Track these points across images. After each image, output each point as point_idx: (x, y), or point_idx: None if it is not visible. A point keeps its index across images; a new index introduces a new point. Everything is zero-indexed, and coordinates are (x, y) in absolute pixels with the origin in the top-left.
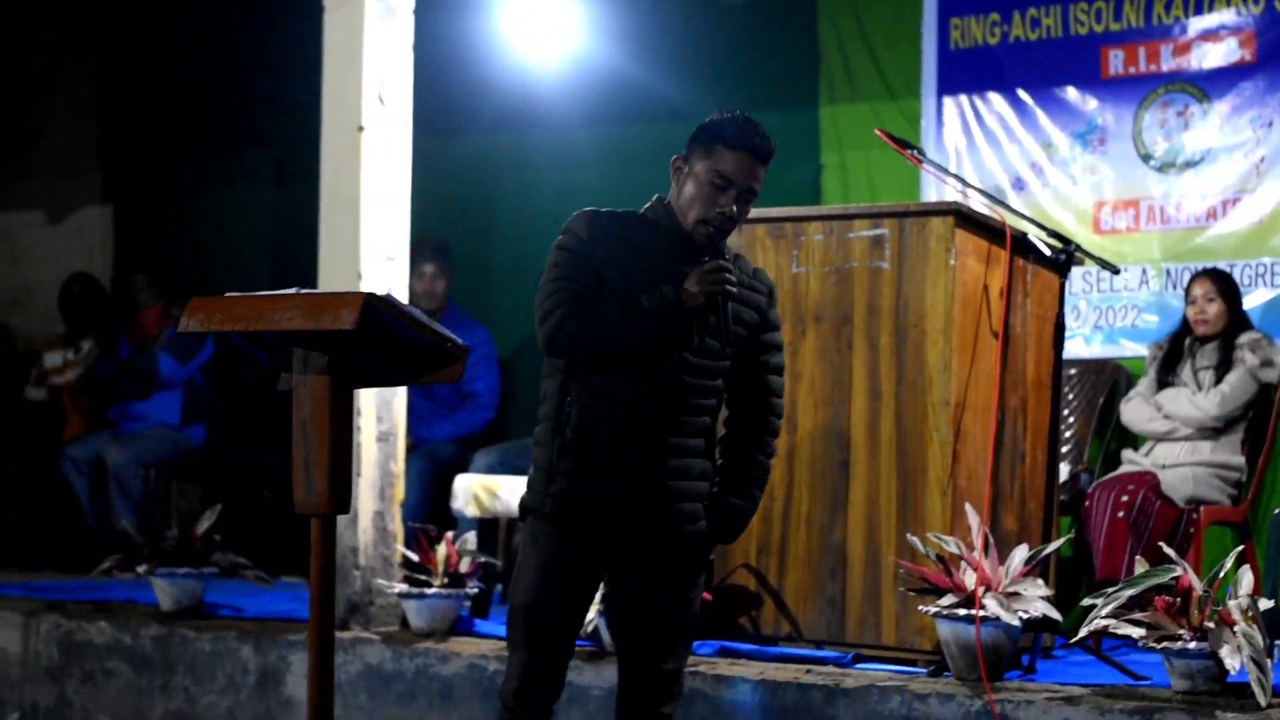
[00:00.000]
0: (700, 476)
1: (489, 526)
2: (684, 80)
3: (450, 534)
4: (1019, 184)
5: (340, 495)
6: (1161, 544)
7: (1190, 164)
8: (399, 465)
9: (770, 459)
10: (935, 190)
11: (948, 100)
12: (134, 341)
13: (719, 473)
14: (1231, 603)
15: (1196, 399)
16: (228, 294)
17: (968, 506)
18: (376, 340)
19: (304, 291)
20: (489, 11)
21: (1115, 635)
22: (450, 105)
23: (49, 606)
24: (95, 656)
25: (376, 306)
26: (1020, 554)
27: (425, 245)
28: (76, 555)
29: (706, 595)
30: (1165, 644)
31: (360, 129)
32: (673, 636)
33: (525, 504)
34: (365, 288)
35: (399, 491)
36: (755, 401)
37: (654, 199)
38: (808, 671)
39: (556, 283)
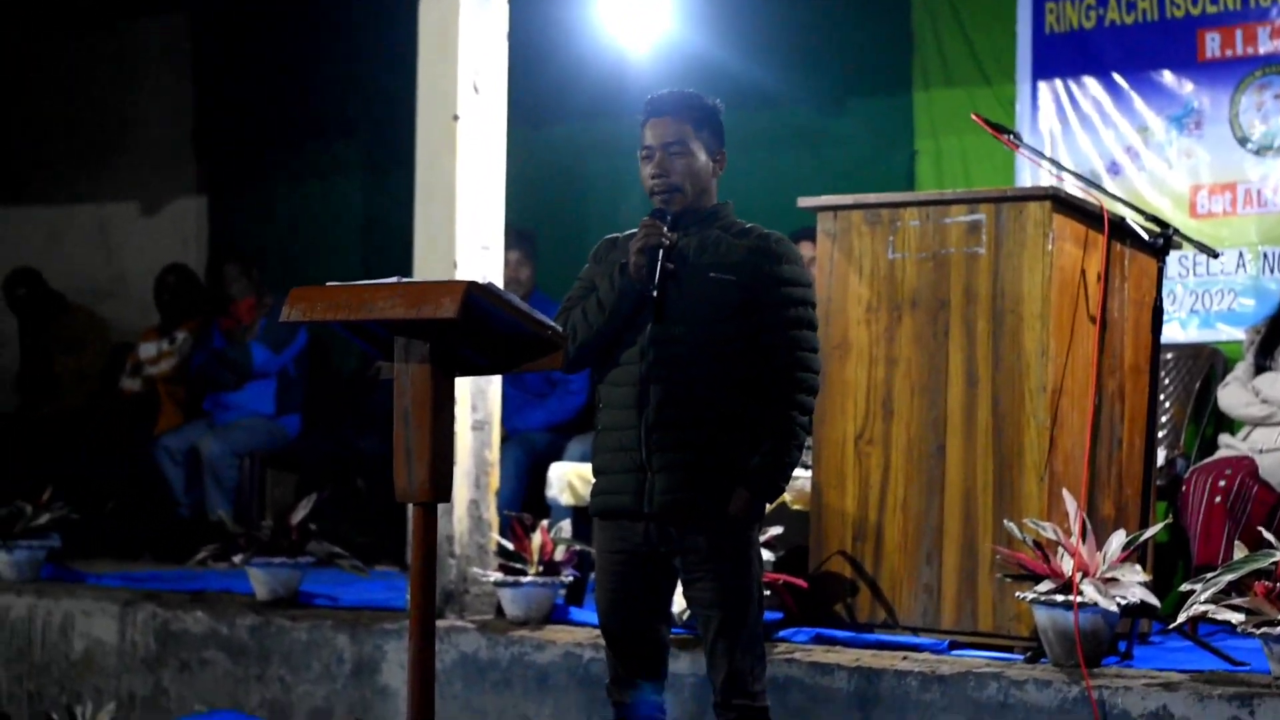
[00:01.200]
0: (720, 447)
1: (584, 514)
2: (776, 67)
3: (545, 522)
4: (1114, 168)
5: (441, 484)
6: (1260, 529)
7: None
8: (494, 454)
9: (798, 412)
10: (1030, 175)
11: (1043, 84)
12: (227, 332)
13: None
14: None
15: None
16: (329, 283)
17: (1065, 492)
18: (477, 329)
19: (405, 280)
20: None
21: (1213, 621)
22: (543, 93)
23: (145, 596)
24: (191, 646)
25: (478, 295)
26: (1118, 539)
27: (510, 233)
28: (172, 545)
29: (802, 582)
30: (1264, 629)
31: (455, 118)
32: (719, 615)
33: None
34: (461, 276)
35: (494, 480)
36: (773, 358)
37: None
38: (904, 658)
39: (561, 312)
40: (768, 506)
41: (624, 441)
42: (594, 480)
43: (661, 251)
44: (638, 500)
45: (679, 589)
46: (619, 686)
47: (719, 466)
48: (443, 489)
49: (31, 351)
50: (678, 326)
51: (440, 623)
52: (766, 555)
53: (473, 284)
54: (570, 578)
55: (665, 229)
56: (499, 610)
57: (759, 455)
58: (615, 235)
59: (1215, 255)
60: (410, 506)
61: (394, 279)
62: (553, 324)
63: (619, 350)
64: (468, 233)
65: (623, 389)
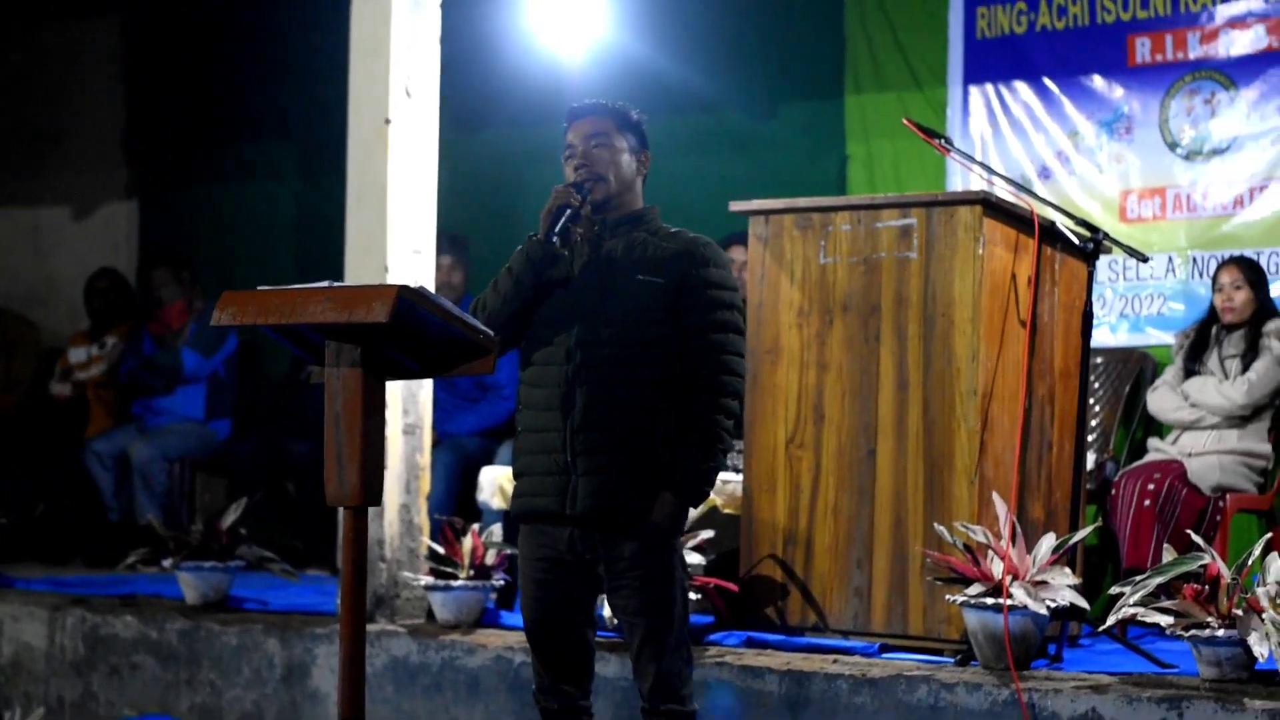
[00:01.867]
0: (640, 451)
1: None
2: (709, 71)
3: (476, 526)
4: (1045, 173)
5: (372, 488)
6: (1189, 532)
7: (1217, 151)
8: (425, 458)
9: (722, 416)
10: (962, 180)
11: (974, 89)
12: (157, 336)
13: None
14: (1259, 590)
15: (1223, 387)
16: (260, 287)
17: (995, 495)
18: (409, 333)
19: (336, 285)
20: (515, 4)
21: (1143, 623)
22: (476, 99)
23: (74, 601)
24: (121, 650)
25: (409, 299)
26: (1047, 543)
27: (442, 238)
28: (101, 550)
29: (732, 586)
30: (1193, 632)
31: (387, 122)
32: (645, 622)
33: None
34: (392, 280)
35: (425, 484)
36: (694, 362)
37: None
38: (834, 661)
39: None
40: (692, 511)
41: (547, 444)
42: (515, 482)
43: (569, 213)
44: (560, 503)
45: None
46: (545, 693)
47: (644, 471)
48: (374, 493)
49: None
50: (605, 329)
51: (371, 627)
52: (698, 559)
53: (404, 288)
54: (501, 582)
55: (578, 195)
56: (430, 614)
57: (683, 460)
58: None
59: (1145, 260)
60: (341, 511)
61: (325, 283)
62: (484, 328)
63: (538, 350)
64: (399, 237)
65: (546, 390)
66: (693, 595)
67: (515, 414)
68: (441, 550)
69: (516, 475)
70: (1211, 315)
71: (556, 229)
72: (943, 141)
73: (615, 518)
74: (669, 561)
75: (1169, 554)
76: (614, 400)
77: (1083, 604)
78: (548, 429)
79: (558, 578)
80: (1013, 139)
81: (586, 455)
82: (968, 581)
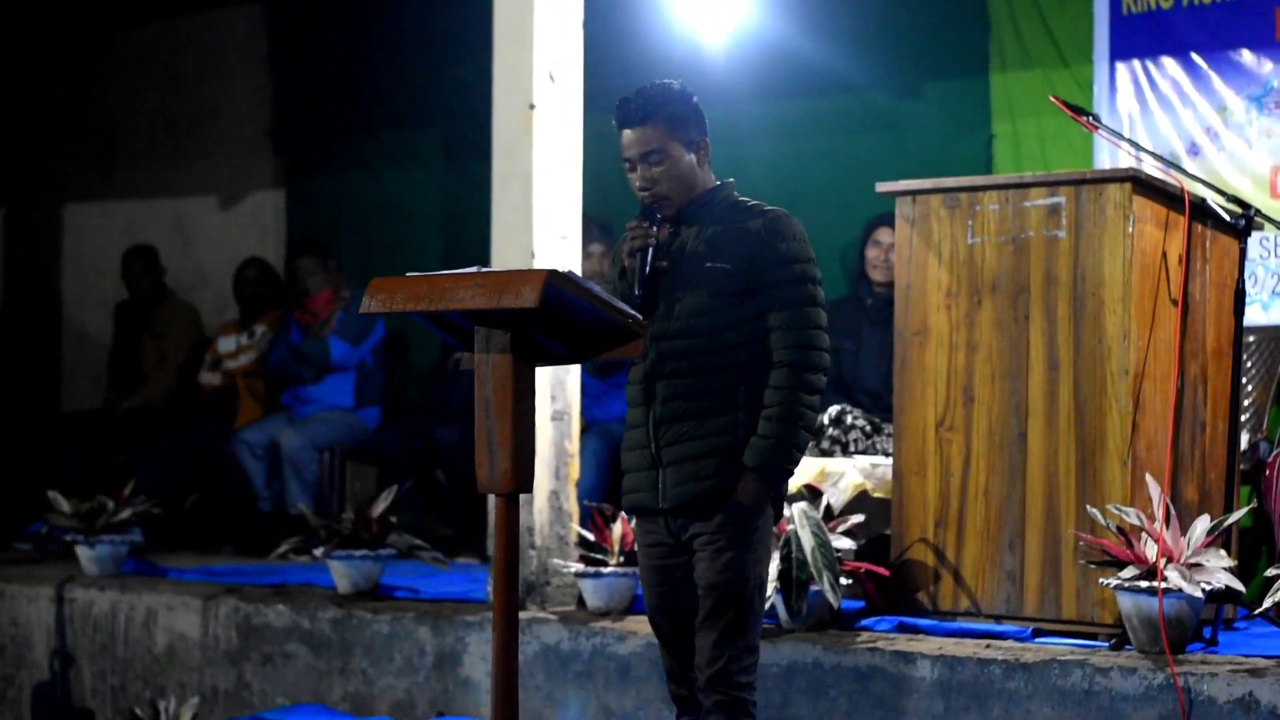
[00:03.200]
0: (713, 433)
1: None
2: (853, 52)
3: (625, 513)
4: (1194, 149)
5: (523, 474)
6: None
7: None
8: (574, 444)
9: (804, 392)
10: (1109, 157)
11: (1120, 65)
12: (304, 325)
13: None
14: None
15: None
16: (408, 274)
17: (1148, 477)
18: (557, 318)
19: (485, 270)
20: None
21: None
22: (619, 82)
23: (227, 590)
24: (274, 639)
25: (558, 284)
26: (1202, 525)
27: (592, 225)
28: (253, 539)
29: (883, 570)
30: None
31: (532, 107)
32: (712, 597)
33: None
34: (539, 266)
35: (574, 471)
36: (780, 338)
37: None
38: (987, 646)
39: None
40: (841, 495)
41: (639, 439)
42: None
43: (650, 251)
44: (654, 497)
45: None
46: (674, 680)
47: (726, 454)
48: (525, 479)
49: (124, 340)
50: (676, 321)
51: (522, 614)
52: (848, 544)
53: (553, 273)
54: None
55: (651, 228)
56: (580, 601)
57: (761, 437)
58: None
59: None
60: (491, 498)
61: (474, 269)
62: (633, 313)
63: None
64: (545, 222)
65: (635, 387)
66: (844, 580)
67: None
68: (591, 537)
69: (624, 471)
70: None
71: (646, 282)
72: (1090, 118)
73: (700, 504)
74: (748, 539)
75: None
76: (689, 390)
77: (1238, 586)
78: (637, 425)
79: (670, 565)
80: (1160, 115)
81: (668, 446)
82: (1121, 564)
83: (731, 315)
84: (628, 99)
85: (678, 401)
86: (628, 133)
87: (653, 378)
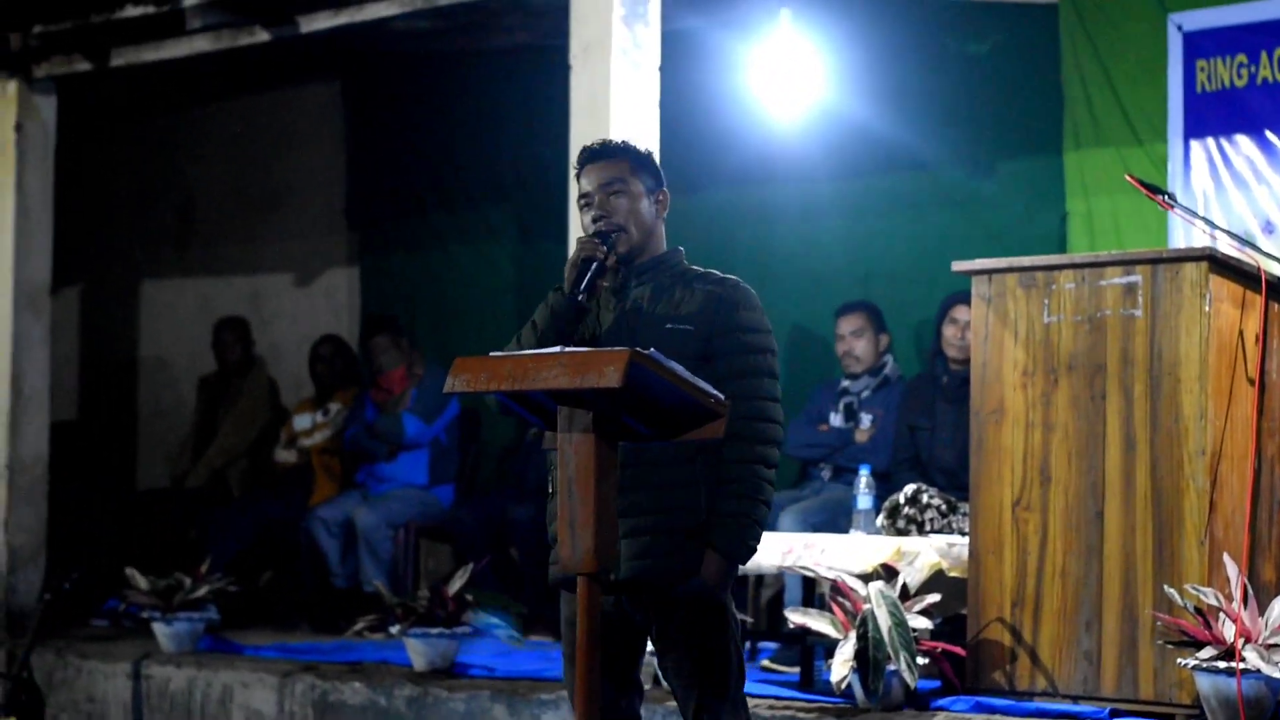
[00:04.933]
0: (674, 507)
1: (739, 582)
2: (927, 130)
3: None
4: (1269, 227)
5: (606, 553)
6: None
7: None
8: None
9: (756, 463)
10: (1184, 236)
11: (1194, 144)
12: (379, 403)
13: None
14: None
15: None
16: (491, 354)
17: (1226, 557)
18: (640, 397)
19: (568, 350)
20: (732, 66)
21: None
22: (693, 159)
23: (303, 667)
24: (350, 717)
25: (641, 364)
26: None
27: None
28: (328, 616)
29: (960, 650)
30: None
31: None
32: (699, 688)
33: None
34: None
35: None
36: (734, 409)
37: None
38: None
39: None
40: (918, 574)
41: None
42: (553, 549)
43: (595, 266)
44: None
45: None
46: None
47: (686, 529)
48: (607, 559)
49: (208, 413)
50: None
51: None
52: (924, 623)
53: (635, 352)
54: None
55: (603, 245)
56: (655, 679)
57: (723, 514)
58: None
59: None
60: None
61: (557, 349)
62: (714, 392)
63: None
64: None
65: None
66: (920, 660)
67: (549, 480)
68: None
69: (555, 541)
70: None
71: (583, 285)
72: (1165, 197)
73: (662, 580)
74: (722, 620)
75: None
76: (649, 458)
77: None
78: None
79: (603, 643)
80: (1235, 193)
81: (625, 517)
82: (1199, 645)
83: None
84: (589, 144)
85: (630, 469)
86: (589, 168)
87: None
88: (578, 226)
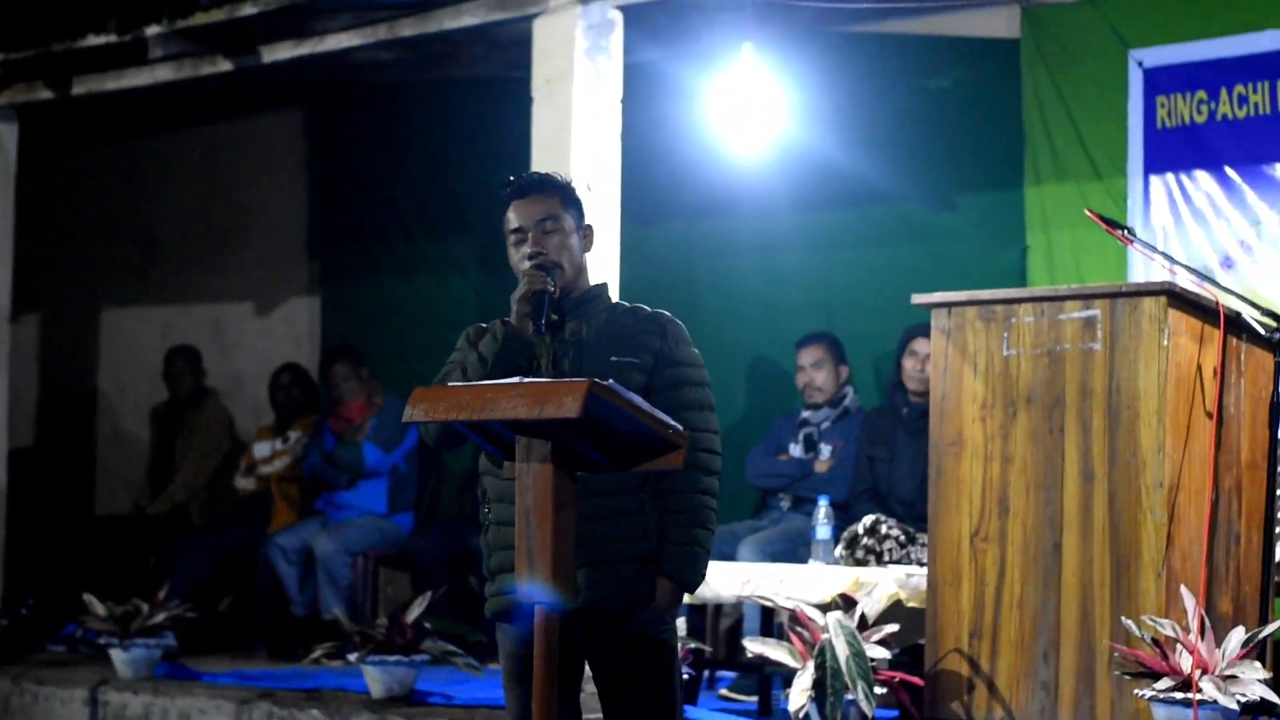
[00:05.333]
0: (626, 536)
1: (697, 611)
2: (888, 164)
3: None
4: (1228, 262)
5: (565, 584)
6: None
7: None
8: None
9: (705, 495)
10: (1144, 270)
11: (1154, 179)
12: (338, 432)
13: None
14: None
15: None
16: (450, 383)
17: (1183, 589)
18: (599, 428)
19: (527, 380)
20: (694, 99)
21: None
22: (655, 192)
23: (261, 695)
24: None
25: (600, 395)
26: (1237, 637)
27: None
28: (286, 644)
29: (918, 680)
30: None
31: None
32: (641, 706)
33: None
34: None
35: None
36: None
37: None
38: None
39: (438, 376)
40: (877, 604)
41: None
42: (491, 581)
43: (547, 296)
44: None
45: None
46: None
47: (641, 557)
48: (566, 589)
49: (162, 443)
50: None
51: None
52: (882, 653)
53: (594, 383)
54: (687, 676)
55: (547, 277)
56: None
57: (677, 543)
58: (483, 324)
59: None
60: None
61: (515, 379)
62: (674, 424)
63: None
64: None
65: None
66: (878, 689)
67: (483, 512)
68: None
69: (493, 573)
70: None
71: (543, 317)
72: (1125, 232)
73: (617, 608)
74: (670, 652)
75: None
76: (598, 487)
77: (1274, 699)
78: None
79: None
80: (1194, 229)
81: (588, 545)
82: (1156, 676)
83: None
84: (518, 177)
85: (591, 499)
86: (519, 203)
87: None
88: None
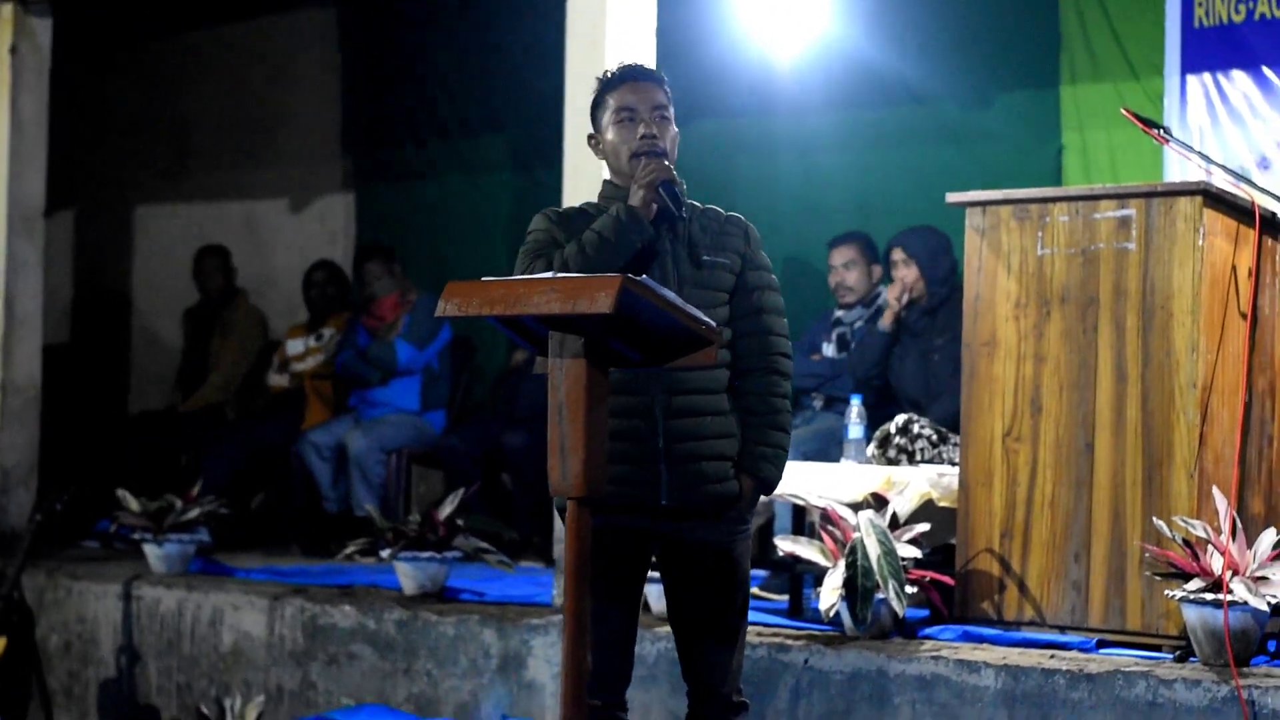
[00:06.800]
0: (719, 434)
1: None
2: (924, 63)
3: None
4: (1264, 163)
5: (596, 478)
6: None
7: None
8: None
9: (784, 399)
10: (1179, 170)
11: (1191, 79)
12: (371, 329)
13: (741, 424)
14: None
15: None
16: (483, 278)
17: (1215, 490)
18: (631, 323)
19: (560, 275)
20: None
21: None
22: (692, 91)
23: (294, 591)
24: (339, 640)
25: (633, 290)
26: (1268, 538)
27: None
28: (319, 540)
29: (949, 580)
30: None
31: None
32: (717, 601)
33: (558, 502)
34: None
35: None
36: (756, 344)
37: (602, 184)
38: (1051, 657)
39: (523, 256)
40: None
41: (636, 429)
42: None
43: (677, 189)
44: (650, 492)
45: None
46: (610, 692)
47: (729, 457)
48: (597, 484)
49: (194, 343)
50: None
51: None
52: (913, 552)
53: (628, 278)
54: None
55: (665, 160)
56: (645, 606)
57: (761, 445)
58: (571, 207)
59: None
60: (558, 503)
61: (549, 274)
62: (706, 319)
63: None
64: None
65: (628, 372)
66: (909, 589)
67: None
68: None
69: None
70: None
71: (680, 207)
72: (1161, 131)
73: (707, 506)
74: (745, 553)
75: None
76: (696, 385)
77: None
78: (630, 412)
79: (642, 567)
80: (1231, 129)
81: (679, 443)
82: (1187, 577)
83: (725, 312)
84: (630, 63)
85: (685, 395)
86: (633, 85)
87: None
88: (577, 156)
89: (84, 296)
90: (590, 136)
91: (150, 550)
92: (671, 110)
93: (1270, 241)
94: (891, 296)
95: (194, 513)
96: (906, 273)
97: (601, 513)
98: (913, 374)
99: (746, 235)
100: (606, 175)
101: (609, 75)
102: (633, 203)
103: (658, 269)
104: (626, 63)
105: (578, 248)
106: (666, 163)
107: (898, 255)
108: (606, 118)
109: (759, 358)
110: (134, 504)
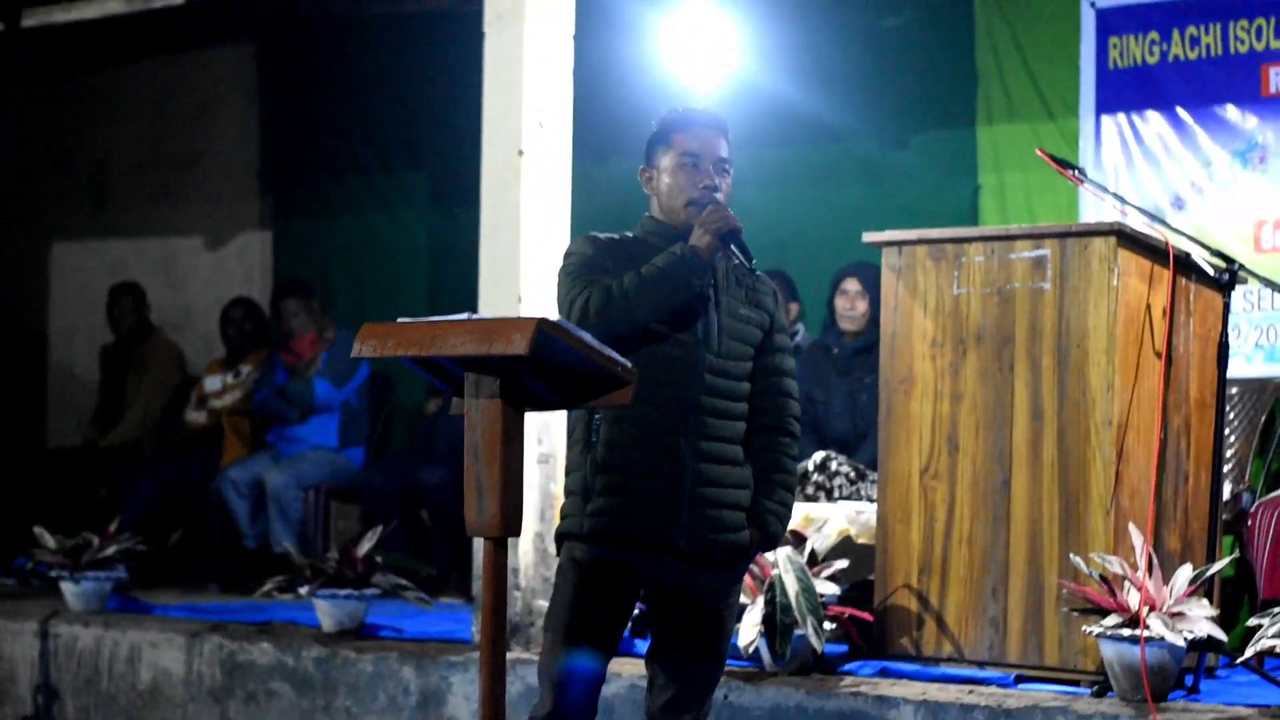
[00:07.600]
0: (737, 484)
1: None
2: (842, 102)
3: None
4: (1178, 203)
5: (512, 518)
6: None
7: None
8: (559, 487)
9: (795, 460)
10: (1094, 211)
11: (1106, 119)
12: (289, 366)
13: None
14: None
15: None
16: (399, 319)
17: (1131, 526)
18: (547, 364)
19: (475, 317)
20: (646, 36)
21: None
22: (609, 130)
23: (212, 628)
24: (258, 677)
25: (549, 332)
26: (1184, 574)
27: None
28: (238, 577)
29: (867, 615)
30: None
31: (520, 153)
32: (707, 647)
33: (561, 531)
34: (525, 310)
35: (559, 514)
36: (775, 404)
37: (642, 219)
38: (970, 692)
39: (571, 279)
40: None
41: (663, 467)
42: (596, 499)
43: (742, 238)
44: (666, 530)
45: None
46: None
47: (743, 509)
48: (513, 523)
49: (110, 381)
50: (721, 357)
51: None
52: (832, 589)
53: (543, 320)
54: (639, 610)
55: (727, 211)
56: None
57: (773, 502)
58: (611, 234)
59: None
60: (479, 540)
61: (464, 315)
62: (622, 360)
63: (654, 366)
64: (533, 266)
65: (662, 410)
66: (827, 625)
67: (591, 429)
68: None
69: (606, 492)
70: None
71: (750, 256)
72: (1076, 172)
73: (719, 553)
74: (734, 608)
75: None
76: (724, 434)
77: (1220, 635)
78: (659, 451)
79: (609, 588)
80: (1145, 169)
81: (705, 487)
82: (1104, 612)
83: (750, 367)
84: (704, 110)
85: (712, 442)
86: (703, 131)
87: (696, 407)
88: (495, 194)
89: (1, 333)
90: (642, 170)
91: (67, 588)
92: (731, 165)
93: (1184, 281)
94: (847, 325)
95: (111, 550)
96: (860, 304)
97: (601, 543)
98: (839, 413)
99: (775, 296)
100: (652, 211)
101: (679, 115)
102: (696, 244)
103: (702, 314)
104: (695, 110)
105: (638, 279)
106: (729, 213)
107: (852, 285)
108: (668, 159)
109: (776, 418)
110: (51, 541)
